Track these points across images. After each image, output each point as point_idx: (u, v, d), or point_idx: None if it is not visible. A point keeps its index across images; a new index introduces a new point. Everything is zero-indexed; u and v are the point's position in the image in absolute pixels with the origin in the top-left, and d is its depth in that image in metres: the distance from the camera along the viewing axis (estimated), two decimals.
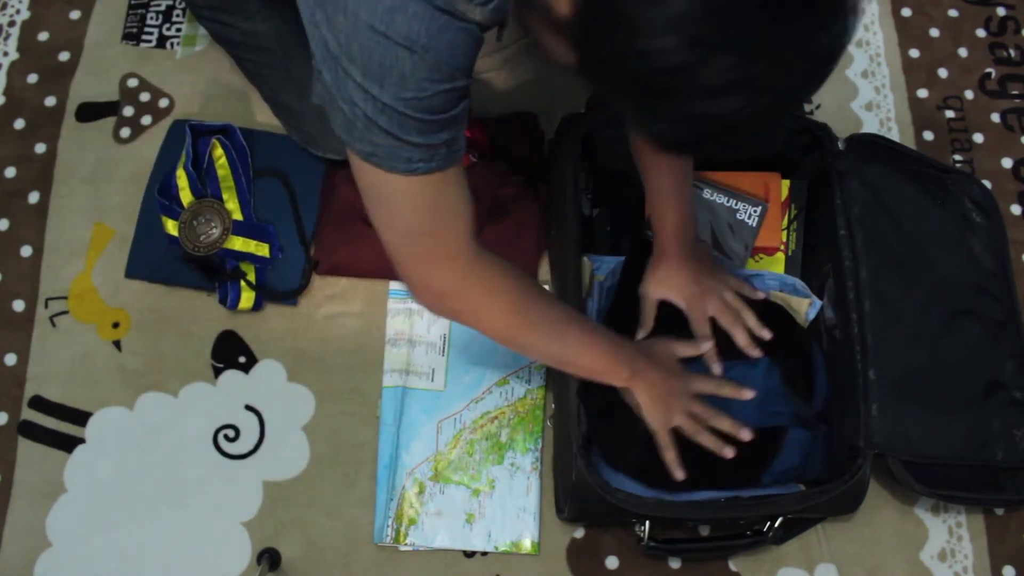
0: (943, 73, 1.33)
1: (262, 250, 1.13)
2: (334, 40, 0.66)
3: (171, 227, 1.12)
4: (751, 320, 1.05)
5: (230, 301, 1.12)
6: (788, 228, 1.14)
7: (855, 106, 1.30)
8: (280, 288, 1.14)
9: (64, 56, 1.29)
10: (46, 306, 1.15)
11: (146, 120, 1.24)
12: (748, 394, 1.01)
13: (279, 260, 1.14)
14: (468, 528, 1.05)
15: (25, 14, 1.32)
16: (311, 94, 0.84)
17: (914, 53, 1.35)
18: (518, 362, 1.12)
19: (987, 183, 1.23)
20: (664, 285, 1.04)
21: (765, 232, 1.12)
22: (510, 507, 1.06)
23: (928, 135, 1.29)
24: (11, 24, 1.31)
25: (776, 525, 0.98)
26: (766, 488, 0.98)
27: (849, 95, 1.31)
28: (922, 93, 1.32)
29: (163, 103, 1.25)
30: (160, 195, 1.13)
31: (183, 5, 1.32)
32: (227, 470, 1.08)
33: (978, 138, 1.29)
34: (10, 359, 1.13)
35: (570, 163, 1.06)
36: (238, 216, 1.13)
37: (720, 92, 0.55)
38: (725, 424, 0.98)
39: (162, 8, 1.32)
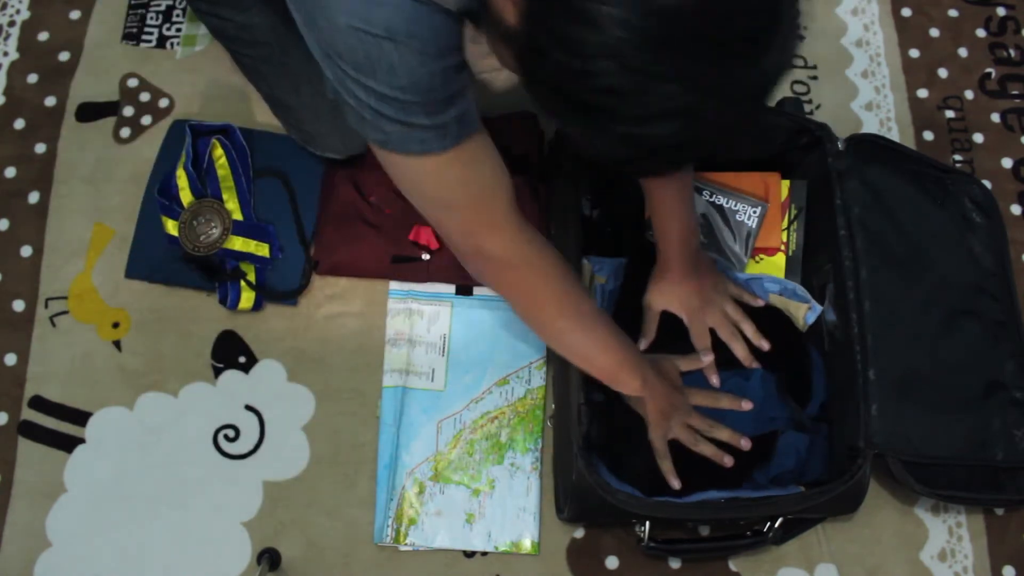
0: (943, 73, 1.33)
1: (262, 250, 1.13)
2: (321, 40, 0.67)
3: (171, 227, 1.12)
4: (750, 331, 1.07)
5: (230, 301, 1.12)
6: (788, 228, 1.14)
7: (855, 106, 1.30)
8: (280, 288, 1.14)
9: (64, 56, 1.29)
10: (46, 306, 1.15)
11: (146, 120, 1.24)
12: (747, 405, 1.03)
13: (279, 260, 1.14)
14: (468, 528, 1.05)
15: (25, 14, 1.32)
16: (306, 90, 0.84)
17: (914, 53, 1.35)
18: (518, 362, 1.12)
19: (987, 183, 1.23)
20: (667, 297, 1.06)
21: (765, 232, 1.12)
22: (510, 507, 1.06)
23: (928, 135, 1.29)
24: (11, 24, 1.31)
25: (776, 525, 0.98)
26: (765, 489, 0.98)
27: (849, 95, 1.31)
28: (922, 93, 1.32)
29: (163, 103, 1.25)
30: (160, 195, 1.13)
31: (183, 5, 1.32)
32: (227, 470, 1.08)
33: (978, 138, 1.29)
34: (10, 359, 1.13)
35: (570, 163, 1.06)
36: (238, 216, 1.13)
37: (654, 117, 0.56)
38: (724, 435, 1.00)
39: (162, 8, 1.32)
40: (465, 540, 1.05)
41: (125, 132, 1.24)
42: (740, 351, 1.06)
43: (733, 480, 0.99)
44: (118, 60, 1.28)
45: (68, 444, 1.09)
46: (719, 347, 1.06)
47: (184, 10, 1.32)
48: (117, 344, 1.13)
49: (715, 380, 1.05)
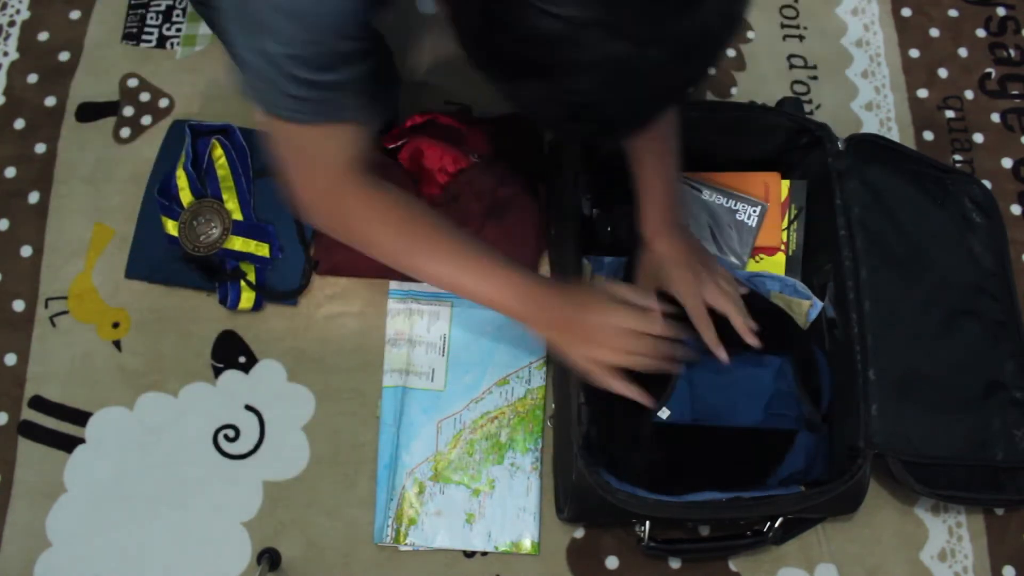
0: (943, 73, 1.33)
1: (262, 250, 1.13)
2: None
3: (171, 227, 1.12)
4: (743, 309, 1.01)
5: (230, 301, 1.12)
6: (788, 228, 1.14)
7: (855, 106, 1.30)
8: (280, 288, 1.14)
9: (64, 56, 1.29)
10: (46, 306, 1.15)
11: (146, 120, 1.24)
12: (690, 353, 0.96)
13: (279, 260, 1.14)
14: (468, 528, 1.05)
15: (25, 14, 1.32)
16: None
17: (914, 53, 1.35)
18: (518, 362, 1.12)
19: (987, 183, 1.23)
20: (654, 274, 1.00)
21: (765, 232, 1.12)
22: (510, 507, 1.06)
23: (928, 135, 1.29)
24: (11, 24, 1.31)
25: (776, 525, 0.98)
26: (767, 489, 0.98)
27: (849, 95, 1.31)
28: (922, 93, 1.32)
29: (163, 103, 1.25)
30: (160, 195, 1.13)
31: (183, 5, 1.32)
32: (227, 470, 1.08)
33: (978, 138, 1.29)
34: (10, 359, 1.13)
35: (570, 163, 1.06)
36: (238, 216, 1.13)
37: (582, 68, 0.55)
38: (679, 334, 0.91)
39: (162, 8, 1.32)
40: (465, 540, 1.05)
41: (125, 132, 1.24)
42: (739, 322, 0.98)
43: (745, 484, 0.98)
44: (118, 60, 1.28)
45: (68, 444, 1.09)
46: (726, 332, 1.05)
47: (184, 10, 1.32)
48: (117, 344, 1.13)
49: (723, 355, 0.97)
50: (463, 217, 1.12)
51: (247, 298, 1.12)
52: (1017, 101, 1.32)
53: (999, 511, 1.09)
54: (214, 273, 1.12)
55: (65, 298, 1.15)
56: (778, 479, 1.02)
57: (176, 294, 1.15)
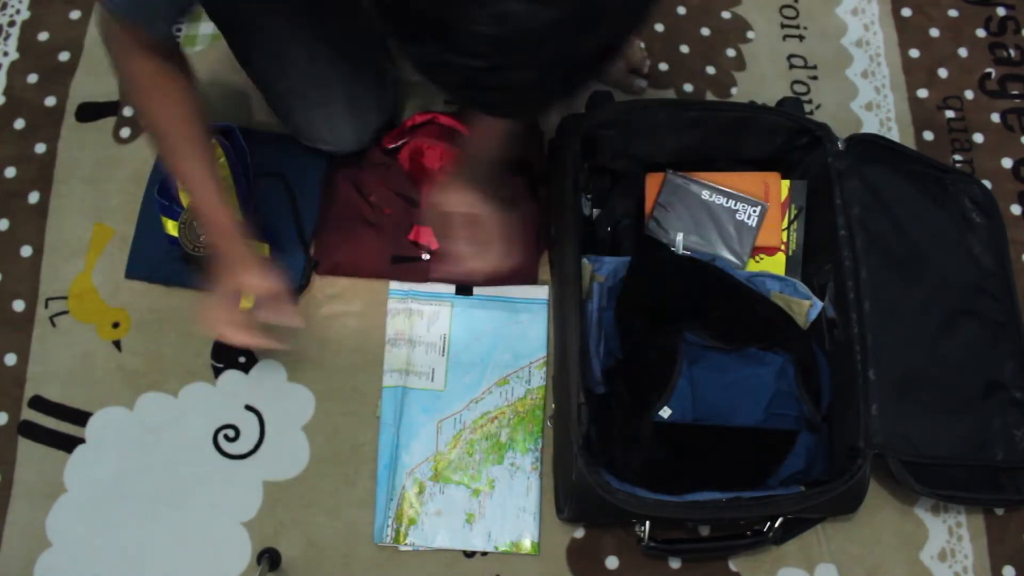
0: (943, 73, 1.33)
1: (262, 250, 1.13)
2: None
3: (171, 227, 1.12)
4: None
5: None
6: (788, 228, 1.14)
7: (855, 106, 1.30)
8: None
9: (64, 56, 1.29)
10: (46, 306, 1.15)
11: None
12: (298, 322, 0.98)
13: (279, 260, 1.14)
14: (468, 528, 1.05)
15: (25, 14, 1.32)
16: (296, 76, 0.84)
17: (914, 53, 1.35)
18: (518, 362, 1.12)
19: (987, 183, 1.23)
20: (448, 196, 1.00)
21: (765, 232, 1.12)
22: (510, 507, 1.06)
23: (928, 135, 1.29)
24: (11, 24, 1.31)
25: (776, 525, 0.98)
26: (767, 489, 0.98)
27: (849, 95, 1.31)
28: (922, 93, 1.32)
29: None
30: (160, 195, 1.13)
31: None
32: (227, 470, 1.08)
33: (978, 138, 1.29)
34: (10, 359, 1.13)
35: (570, 163, 1.06)
36: (238, 216, 1.13)
37: (477, 26, 0.56)
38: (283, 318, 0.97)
39: None
40: (465, 540, 1.05)
41: (125, 132, 1.24)
42: None
43: (747, 485, 0.98)
44: None
45: (68, 444, 1.09)
46: (731, 327, 1.05)
47: None
48: (117, 344, 1.13)
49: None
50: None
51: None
52: (1017, 101, 1.32)
53: (999, 511, 1.09)
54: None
55: (65, 298, 1.15)
56: (778, 479, 1.02)
57: (176, 294, 1.15)
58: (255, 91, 1.18)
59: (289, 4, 1.03)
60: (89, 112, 1.25)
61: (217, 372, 1.12)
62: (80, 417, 1.10)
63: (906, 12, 1.37)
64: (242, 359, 1.12)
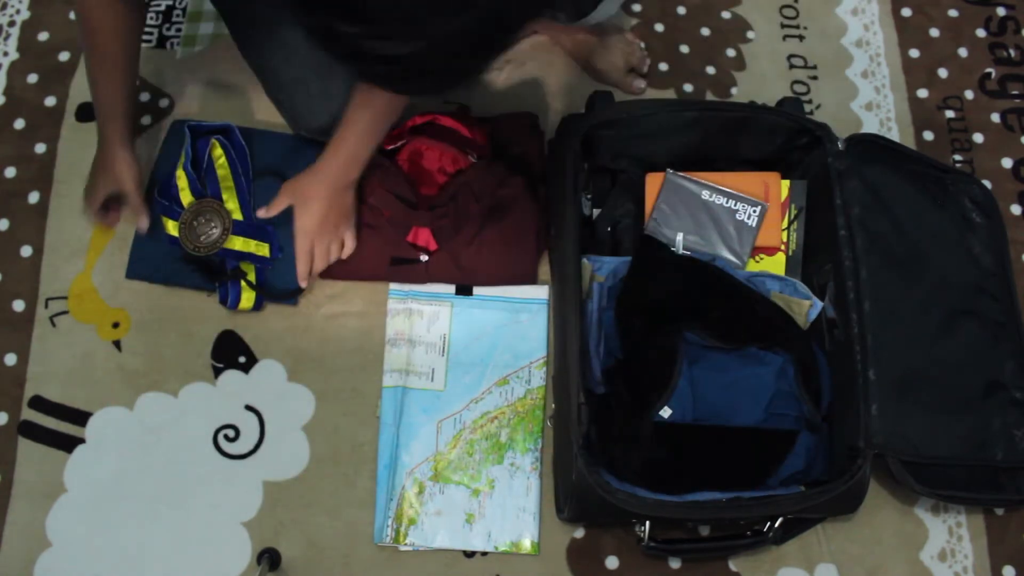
0: (943, 73, 1.33)
1: (262, 250, 1.13)
2: None
3: (171, 227, 1.12)
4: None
5: (230, 301, 1.12)
6: (788, 228, 1.14)
7: (855, 106, 1.30)
8: (280, 288, 1.14)
9: (64, 56, 1.29)
10: (46, 306, 1.15)
11: (146, 120, 1.24)
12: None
13: (279, 260, 1.14)
14: (468, 528, 1.05)
15: (25, 14, 1.32)
16: (295, 60, 0.84)
17: (914, 53, 1.35)
18: (518, 362, 1.12)
19: (987, 183, 1.23)
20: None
21: (765, 232, 1.12)
22: (510, 507, 1.06)
23: (928, 135, 1.29)
24: (11, 24, 1.31)
25: (776, 525, 0.98)
26: (768, 489, 0.98)
27: (849, 95, 1.31)
28: (922, 93, 1.32)
29: (163, 103, 1.25)
30: (160, 196, 1.13)
31: (183, 5, 1.32)
32: (227, 470, 1.08)
33: (978, 138, 1.29)
34: (10, 359, 1.13)
35: (570, 163, 1.06)
36: (238, 216, 1.13)
37: (345, 7, 0.58)
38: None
39: (162, 8, 1.32)
40: (465, 540, 1.05)
41: None
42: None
43: (747, 484, 0.98)
44: None
45: (68, 444, 1.09)
46: (731, 327, 1.05)
47: (184, 10, 1.32)
48: (117, 344, 1.13)
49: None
50: (462, 217, 1.12)
51: (247, 298, 1.12)
52: (1017, 101, 1.32)
53: (999, 511, 1.09)
54: (215, 274, 1.12)
55: (65, 298, 1.15)
56: (778, 479, 1.02)
57: (176, 294, 1.15)
58: (255, 91, 1.18)
59: None
60: (89, 112, 1.25)
61: (217, 372, 1.12)
62: (80, 417, 1.10)
63: (906, 12, 1.37)
64: (242, 359, 1.13)
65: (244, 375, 1.12)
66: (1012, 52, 1.35)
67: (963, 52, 1.35)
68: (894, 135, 1.29)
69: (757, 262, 1.14)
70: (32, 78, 1.27)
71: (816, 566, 1.06)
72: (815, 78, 1.32)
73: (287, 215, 1.16)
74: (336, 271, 1.15)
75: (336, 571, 1.04)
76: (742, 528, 1.02)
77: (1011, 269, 1.14)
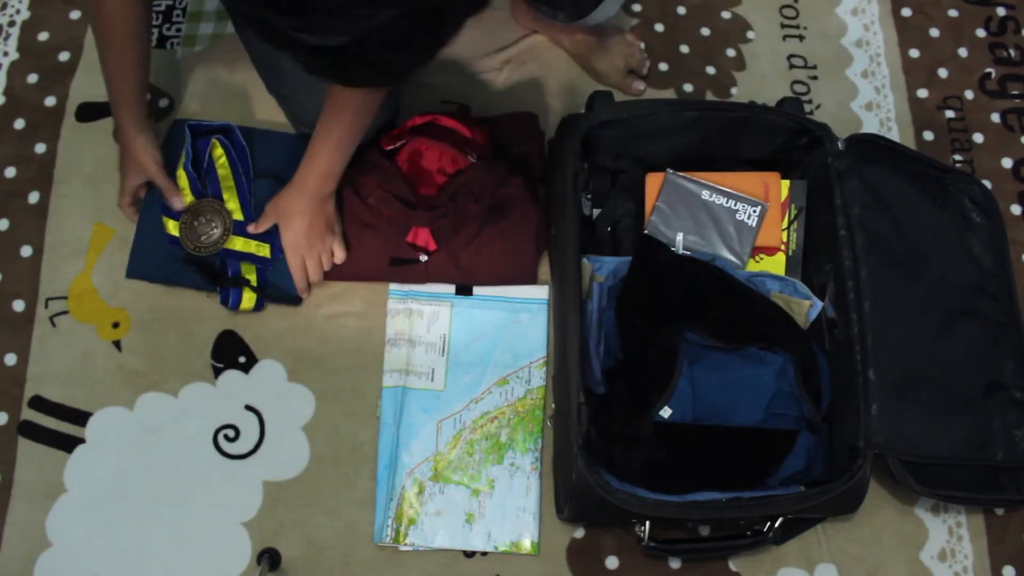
0: (943, 73, 1.33)
1: (263, 250, 1.13)
2: None
3: (172, 227, 1.12)
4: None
5: (231, 302, 1.12)
6: (788, 228, 1.14)
7: (855, 106, 1.30)
8: (281, 288, 1.14)
9: (64, 56, 1.29)
10: (46, 306, 1.15)
11: None
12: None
13: (280, 260, 1.14)
14: (468, 528, 1.05)
15: (25, 14, 1.32)
16: None
17: (914, 53, 1.35)
18: (518, 362, 1.12)
19: (987, 183, 1.23)
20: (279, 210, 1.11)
21: (765, 232, 1.12)
22: (510, 507, 1.06)
23: (928, 135, 1.29)
24: (11, 24, 1.31)
25: (776, 525, 0.98)
26: (768, 489, 0.98)
27: (849, 95, 1.31)
28: (922, 93, 1.32)
29: (163, 103, 1.25)
30: (161, 196, 1.13)
31: (183, 5, 1.32)
32: (227, 470, 1.08)
33: (978, 138, 1.29)
34: (10, 359, 1.13)
35: (570, 163, 1.06)
36: (239, 216, 1.13)
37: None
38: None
39: (162, 8, 1.32)
40: (465, 540, 1.05)
41: None
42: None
43: (747, 484, 0.98)
44: None
45: (68, 444, 1.09)
46: (731, 327, 1.05)
47: (184, 10, 1.32)
48: (117, 344, 1.13)
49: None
50: (462, 217, 1.12)
51: (248, 298, 1.12)
52: (1017, 101, 1.32)
53: (999, 511, 1.09)
54: (216, 278, 1.12)
55: (65, 298, 1.15)
56: (778, 479, 1.02)
57: (176, 294, 1.15)
58: (255, 91, 1.18)
59: None
60: (89, 112, 1.25)
61: (217, 372, 1.12)
62: (80, 417, 1.10)
63: (906, 12, 1.37)
64: (242, 359, 1.13)
65: (244, 375, 1.12)
66: (1012, 52, 1.35)
67: (963, 52, 1.35)
68: (894, 135, 1.29)
69: (757, 262, 1.14)
70: (32, 78, 1.27)
71: (816, 566, 1.06)
72: (815, 78, 1.32)
73: None
74: (336, 271, 1.15)
75: (336, 571, 1.04)
76: (742, 528, 1.02)
77: (1011, 269, 1.14)
